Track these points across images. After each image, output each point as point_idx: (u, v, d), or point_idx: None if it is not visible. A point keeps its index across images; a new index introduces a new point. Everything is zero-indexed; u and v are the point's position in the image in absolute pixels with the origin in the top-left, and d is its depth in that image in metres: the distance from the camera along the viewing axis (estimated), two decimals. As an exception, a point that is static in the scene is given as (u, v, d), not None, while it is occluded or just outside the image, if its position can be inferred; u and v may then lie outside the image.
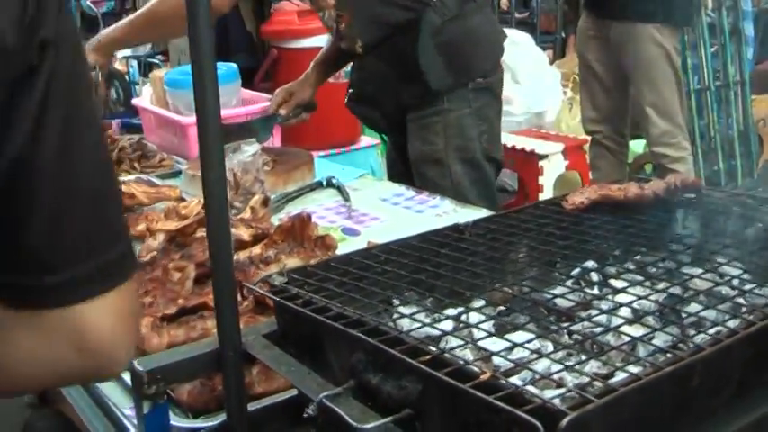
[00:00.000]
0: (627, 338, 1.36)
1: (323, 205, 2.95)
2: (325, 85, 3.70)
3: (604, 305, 1.50)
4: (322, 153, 4.55)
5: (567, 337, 1.42)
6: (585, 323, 1.43)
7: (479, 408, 1.13)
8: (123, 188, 2.82)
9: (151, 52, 8.82)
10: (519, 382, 1.19)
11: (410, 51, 3.08)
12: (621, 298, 1.52)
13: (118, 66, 10.06)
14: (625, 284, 1.57)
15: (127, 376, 1.74)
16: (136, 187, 2.86)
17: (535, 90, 7.18)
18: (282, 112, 3.46)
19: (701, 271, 1.61)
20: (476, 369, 1.20)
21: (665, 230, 1.82)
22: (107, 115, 3.76)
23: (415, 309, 1.51)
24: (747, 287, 1.52)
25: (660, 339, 1.36)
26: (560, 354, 1.34)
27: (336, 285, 1.56)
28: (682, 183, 1.99)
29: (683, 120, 5.71)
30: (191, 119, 3.40)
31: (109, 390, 1.82)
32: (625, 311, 1.45)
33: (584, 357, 1.32)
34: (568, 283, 1.63)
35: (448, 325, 1.44)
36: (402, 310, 1.50)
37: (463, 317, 1.48)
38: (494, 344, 1.34)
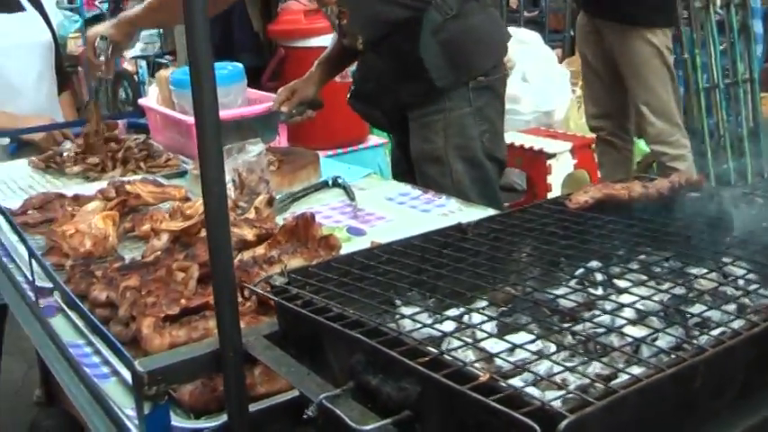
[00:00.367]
0: (630, 339, 1.35)
1: (328, 205, 2.94)
2: (331, 84, 3.70)
3: (608, 305, 1.49)
4: (329, 152, 4.54)
5: (569, 337, 1.41)
6: (588, 324, 1.42)
7: (478, 410, 1.12)
8: (128, 188, 2.82)
9: (160, 52, 8.85)
10: (520, 384, 1.19)
11: (410, 49, 3.08)
12: (625, 298, 1.51)
13: (127, 66, 10.11)
14: (629, 285, 1.57)
15: (129, 377, 1.75)
16: (141, 187, 2.86)
17: (544, 88, 7.17)
18: (284, 109, 3.46)
19: (705, 271, 1.60)
20: (475, 370, 1.19)
21: (669, 230, 1.80)
22: (115, 115, 3.76)
23: (416, 309, 1.50)
24: (752, 287, 1.51)
25: (664, 340, 1.35)
26: (562, 355, 1.33)
27: (337, 286, 1.56)
28: (686, 181, 1.98)
29: (680, 117, 5.72)
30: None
31: (110, 389, 1.82)
32: (629, 312, 1.44)
33: (586, 359, 1.31)
34: (572, 283, 1.62)
35: (449, 326, 1.43)
36: (403, 310, 1.50)
37: (465, 317, 1.47)
38: (495, 345, 1.34)
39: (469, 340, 1.35)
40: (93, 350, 2.00)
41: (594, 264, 1.68)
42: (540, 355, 1.30)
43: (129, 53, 10.19)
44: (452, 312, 1.49)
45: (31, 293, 2.32)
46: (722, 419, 1.32)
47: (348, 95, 3.41)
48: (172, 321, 1.87)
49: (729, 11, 6.61)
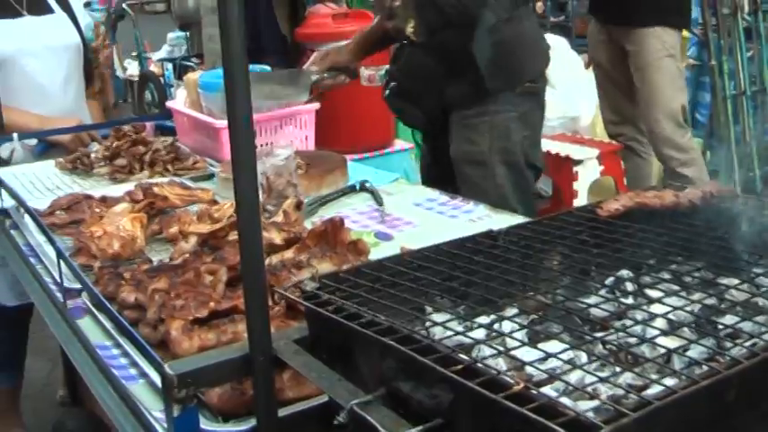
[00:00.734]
0: (662, 350, 1.34)
1: (356, 209, 2.93)
2: (359, 88, 3.69)
3: (639, 315, 1.48)
4: (356, 156, 4.53)
5: (600, 347, 1.40)
6: (620, 333, 1.41)
7: (512, 419, 1.12)
8: (156, 190, 2.82)
9: (186, 55, 8.87)
10: (552, 393, 1.18)
11: (462, 47, 3.04)
12: (656, 308, 1.50)
13: (153, 68, 10.15)
14: (660, 294, 1.56)
15: (157, 379, 1.75)
16: (169, 189, 2.86)
17: (570, 94, 7.14)
18: (314, 68, 3.44)
19: (737, 281, 1.59)
20: (509, 379, 1.19)
21: (700, 239, 1.79)
22: (142, 117, 3.77)
23: (447, 316, 1.49)
24: (785, 299, 1.50)
25: (695, 351, 1.34)
26: (594, 365, 1.32)
27: (368, 292, 1.55)
28: (718, 191, 1.97)
29: (688, 121, 5.71)
30: (224, 122, 3.40)
31: (138, 392, 1.82)
32: (660, 322, 1.43)
33: (618, 369, 1.30)
34: (602, 292, 1.61)
35: (480, 333, 1.43)
36: (434, 317, 1.49)
37: (496, 325, 1.46)
38: (527, 353, 1.33)
39: (501, 348, 1.35)
40: (121, 352, 2.00)
41: (625, 273, 1.67)
42: (572, 364, 1.29)
43: (155, 56, 10.25)
44: (483, 320, 1.49)
45: (58, 294, 2.32)
46: (756, 432, 1.31)
47: (387, 92, 3.36)
48: (200, 324, 1.87)
49: (757, 17, 6.57)
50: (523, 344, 1.36)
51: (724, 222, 1.86)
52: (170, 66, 9.28)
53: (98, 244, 2.46)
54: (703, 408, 1.21)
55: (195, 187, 3.03)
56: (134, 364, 1.93)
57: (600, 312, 1.51)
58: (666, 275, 1.67)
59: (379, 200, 2.96)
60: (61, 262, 2.26)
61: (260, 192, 2.71)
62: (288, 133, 3.49)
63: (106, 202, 2.87)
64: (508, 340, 1.39)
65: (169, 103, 3.88)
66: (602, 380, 1.23)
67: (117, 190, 3.05)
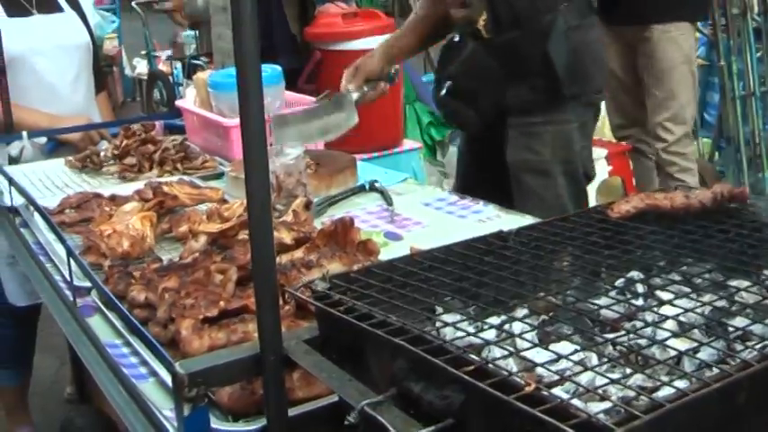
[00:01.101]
0: (672, 352, 1.34)
1: (365, 209, 2.93)
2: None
3: (649, 317, 1.48)
4: (364, 156, 4.53)
5: (611, 348, 1.40)
6: (630, 335, 1.41)
7: (524, 420, 1.12)
8: (166, 189, 2.83)
9: (195, 54, 8.87)
10: (562, 395, 1.18)
11: (526, 51, 3.01)
12: (667, 310, 1.49)
13: (162, 67, 10.15)
14: (670, 296, 1.55)
15: (167, 378, 1.75)
16: (178, 188, 2.87)
17: (578, 95, 7.13)
18: (351, 86, 3.35)
19: (747, 284, 1.58)
20: (521, 380, 1.19)
21: (711, 241, 1.79)
22: (151, 116, 3.77)
23: (458, 317, 1.49)
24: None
25: (705, 353, 1.34)
26: (604, 366, 1.32)
27: (379, 292, 1.55)
28: (729, 192, 1.97)
29: (692, 128, 5.70)
30: (234, 121, 3.41)
31: (148, 390, 1.83)
32: (670, 324, 1.43)
33: (628, 370, 1.30)
34: (613, 293, 1.61)
35: (491, 334, 1.43)
36: (445, 318, 1.49)
37: (506, 326, 1.46)
38: (537, 354, 1.33)
39: (511, 349, 1.35)
40: (131, 351, 2.01)
41: (636, 274, 1.67)
42: (583, 365, 1.29)
43: (164, 54, 10.26)
44: (494, 321, 1.49)
45: (68, 292, 2.33)
46: (766, 436, 1.31)
47: (443, 91, 3.25)
48: (210, 324, 1.87)
49: (767, 18, 6.56)
50: (534, 345, 1.36)
51: (735, 224, 1.86)
52: (179, 64, 9.28)
53: (108, 243, 2.46)
54: (714, 410, 1.21)
55: (205, 186, 3.03)
56: (144, 362, 1.94)
57: (610, 314, 1.50)
58: (676, 277, 1.67)
59: (388, 200, 2.96)
60: (71, 260, 2.27)
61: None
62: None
63: (115, 200, 2.88)
64: (518, 341, 1.39)
65: (179, 102, 3.88)
66: (612, 381, 1.23)
67: (126, 189, 3.06)
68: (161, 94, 9.54)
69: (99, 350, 2.06)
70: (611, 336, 1.43)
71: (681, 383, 1.22)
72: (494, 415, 1.19)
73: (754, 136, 6.50)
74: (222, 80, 3.58)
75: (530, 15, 2.99)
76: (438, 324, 1.46)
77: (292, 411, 1.60)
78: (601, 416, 1.09)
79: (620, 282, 1.66)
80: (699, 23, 6.13)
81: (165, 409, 1.74)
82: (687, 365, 1.31)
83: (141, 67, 11.17)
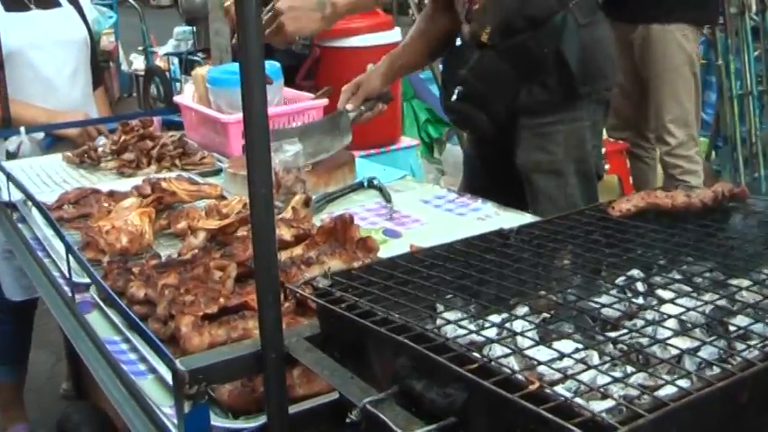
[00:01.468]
0: (673, 350, 1.33)
1: (364, 206, 2.93)
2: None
3: (649, 315, 1.47)
4: (362, 153, 4.53)
5: (611, 347, 1.40)
6: (632, 333, 1.41)
7: (527, 418, 1.12)
8: (164, 185, 2.82)
9: (192, 49, 8.86)
10: (565, 393, 1.18)
11: (540, 51, 2.98)
12: (666, 309, 1.49)
13: (159, 63, 10.14)
14: (671, 295, 1.55)
15: (166, 374, 1.75)
16: (177, 184, 2.86)
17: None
18: (350, 107, 3.30)
19: (748, 283, 1.58)
20: (524, 379, 1.18)
21: (711, 240, 1.79)
22: (150, 111, 3.77)
23: (459, 315, 1.49)
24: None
25: (706, 352, 1.34)
26: (606, 365, 1.32)
27: (381, 290, 1.55)
28: (729, 191, 1.96)
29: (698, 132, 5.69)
30: (232, 117, 3.41)
31: (147, 387, 1.83)
32: (670, 323, 1.43)
33: (629, 369, 1.30)
34: (613, 291, 1.61)
35: (492, 332, 1.42)
36: (446, 315, 1.49)
37: (507, 324, 1.46)
38: (538, 352, 1.33)
39: (513, 348, 1.35)
40: (130, 347, 2.01)
41: (636, 273, 1.67)
42: (584, 364, 1.29)
43: (161, 50, 10.25)
44: (495, 318, 1.49)
45: (66, 288, 2.32)
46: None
47: (455, 96, 3.19)
48: (210, 320, 1.87)
49: (765, 17, 6.57)
50: (537, 343, 1.36)
51: (736, 223, 1.86)
52: (176, 60, 9.26)
53: (106, 238, 2.46)
54: (717, 409, 1.21)
55: (203, 182, 3.03)
56: (143, 359, 1.93)
57: (611, 312, 1.50)
58: (677, 276, 1.66)
59: (387, 197, 2.96)
60: (70, 256, 2.26)
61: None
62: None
63: (114, 196, 2.87)
64: (519, 339, 1.39)
65: (177, 98, 3.88)
66: (615, 380, 1.23)
67: (124, 184, 3.05)
68: (158, 90, 9.52)
69: (98, 346, 2.05)
70: (611, 334, 1.42)
71: (683, 382, 1.22)
72: (497, 413, 1.19)
73: (750, 135, 6.51)
74: (221, 76, 3.57)
75: (543, 15, 2.97)
76: (440, 322, 1.46)
77: (293, 409, 1.60)
78: (604, 415, 1.09)
79: (620, 280, 1.65)
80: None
81: (165, 406, 1.74)
82: (688, 364, 1.31)
83: (138, 62, 11.14)
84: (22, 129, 3.79)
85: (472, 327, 1.44)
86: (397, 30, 5.51)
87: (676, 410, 1.12)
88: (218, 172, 3.33)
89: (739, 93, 6.45)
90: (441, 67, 3.50)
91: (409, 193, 3.09)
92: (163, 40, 11.00)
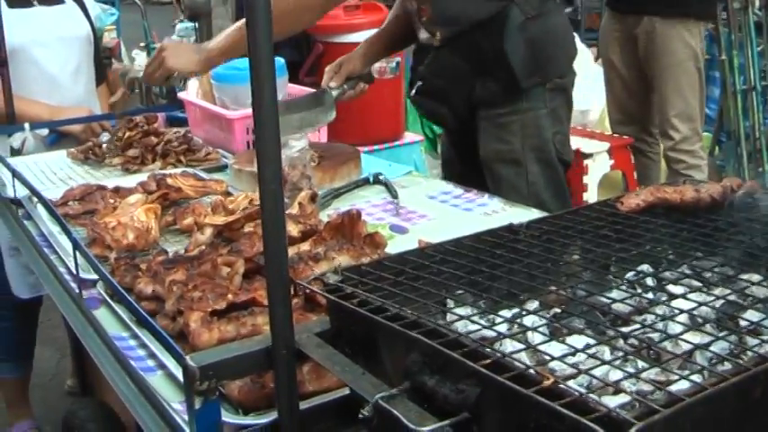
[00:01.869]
0: (684, 345, 1.33)
1: (370, 202, 2.93)
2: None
3: (659, 310, 1.47)
4: (366, 149, 4.53)
5: (622, 342, 1.40)
6: (645, 328, 1.41)
7: (541, 414, 1.12)
8: (170, 181, 2.82)
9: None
10: (577, 388, 1.18)
11: (492, 46, 3.03)
12: (676, 304, 1.49)
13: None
14: (681, 290, 1.55)
15: (175, 370, 1.75)
16: (182, 180, 2.86)
17: (579, 88, 7.09)
18: (333, 84, 3.37)
19: (758, 278, 1.58)
20: (538, 374, 1.18)
21: (721, 235, 1.79)
22: (154, 108, 3.76)
23: (470, 310, 1.49)
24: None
25: (717, 347, 1.33)
26: (618, 360, 1.31)
27: (391, 285, 1.55)
28: (738, 186, 1.96)
29: (702, 125, 5.69)
30: (237, 113, 3.41)
31: (156, 383, 1.82)
32: (681, 318, 1.43)
33: (640, 364, 1.29)
34: (623, 287, 1.60)
35: (503, 327, 1.42)
36: (457, 311, 1.49)
37: (518, 319, 1.46)
38: (549, 347, 1.33)
39: (525, 343, 1.34)
40: (138, 343, 2.00)
41: (646, 268, 1.67)
42: (596, 359, 1.29)
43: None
44: (506, 314, 1.48)
45: (73, 285, 2.32)
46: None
47: (413, 92, 3.32)
48: (219, 316, 1.87)
49: (768, 12, 6.56)
50: (549, 338, 1.36)
51: (745, 217, 1.86)
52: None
53: (112, 235, 2.46)
54: (731, 404, 1.21)
55: (208, 179, 3.03)
56: (151, 355, 1.93)
57: (621, 307, 1.50)
58: (687, 270, 1.66)
59: (393, 192, 2.96)
60: (77, 252, 2.26)
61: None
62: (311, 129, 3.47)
63: (119, 192, 2.87)
64: (530, 334, 1.39)
65: (181, 95, 3.88)
66: (630, 375, 1.22)
67: (129, 181, 3.06)
68: (160, 87, 9.50)
69: (106, 343, 2.05)
70: (623, 329, 1.42)
71: (696, 378, 1.22)
72: (511, 409, 1.19)
73: (754, 130, 6.50)
74: (226, 72, 3.57)
75: (486, 15, 3.04)
76: (451, 317, 1.46)
77: (303, 405, 1.60)
78: (620, 410, 1.09)
79: (630, 275, 1.65)
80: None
81: (174, 401, 1.73)
82: (700, 359, 1.31)
83: (140, 59, 11.12)
84: (27, 125, 3.80)
85: (483, 322, 1.44)
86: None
87: (691, 405, 1.12)
88: (223, 168, 3.33)
89: (743, 88, 6.45)
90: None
91: (415, 188, 3.10)
92: (165, 36, 11.00)
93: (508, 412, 1.20)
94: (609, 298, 1.53)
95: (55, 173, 3.46)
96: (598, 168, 5.96)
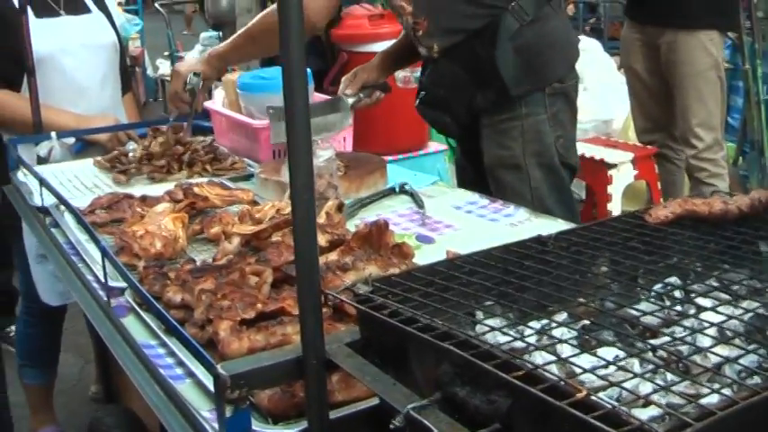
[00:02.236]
0: (713, 358, 1.33)
1: (396, 211, 2.93)
2: (394, 90, 3.69)
3: (688, 323, 1.47)
4: (390, 158, 4.54)
5: (651, 354, 1.40)
6: (670, 341, 1.41)
7: (573, 426, 1.12)
8: (196, 190, 2.84)
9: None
10: (608, 400, 1.18)
11: (486, 55, 3.06)
12: (706, 316, 1.49)
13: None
14: (709, 303, 1.55)
15: (205, 379, 1.76)
16: (209, 189, 2.88)
17: (603, 97, 7.14)
18: (348, 92, 3.45)
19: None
20: (571, 386, 1.19)
21: (750, 247, 1.79)
22: (179, 117, 3.78)
23: (500, 321, 1.49)
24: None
25: (746, 360, 1.33)
26: (648, 373, 1.32)
27: (421, 296, 1.56)
28: (767, 198, 1.96)
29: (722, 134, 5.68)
30: (263, 122, 3.42)
31: (185, 391, 1.83)
32: (710, 331, 1.43)
33: (670, 377, 1.29)
34: (652, 299, 1.61)
35: (532, 339, 1.43)
36: (487, 322, 1.49)
37: (547, 331, 1.46)
38: (579, 359, 1.33)
39: (557, 356, 1.35)
40: (167, 351, 2.01)
41: (674, 280, 1.67)
42: (626, 371, 1.29)
43: (187, 55, 10.27)
44: (535, 325, 1.49)
45: (101, 293, 2.33)
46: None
47: (417, 101, 3.36)
48: (248, 326, 1.88)
49: (792, 22, 6.54)
50: (579, 350, 1.36)
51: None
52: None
53: (140, 243, 2.47)
54: (762, 418, 1.20)
55: (234, 188, 3.04)
56: (180, 363, 1.94)
57: (650, 320, 1.50)
58: (714, 283, 1.66)
59: (419, 202, 2.97)
60: (105, 261, 2.27)
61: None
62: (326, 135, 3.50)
63: (146, 201, 2.89)
64: (559, 346, 1.39)
65: (207, 104, 3.89)
66: (662, 388, 1.22)
67: (156, 190, 3.07)
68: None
69: (134, 350, 2.06)
70: (653, 342, 1.42)
71: (726, 391, 1.22)
72: (542, 420, 1.19)
73: (778, 141, 6.47)
74: (252, 82, 3.59)
75: (479, 25, 3.08)
76: (481, 328, 1.47)
77: (332, 414, 1.60)
78: (653, 424, 1.09)
79: (658, 287, 1.65)
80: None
81: (203, 410, 1.74)
82: (729, 373, 1.31)
83: (164, 67, 11.19)
84: (53, 134, 3.81)
85: (513, 333, 1.44)
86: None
87: (722, 419, 1.12)
88: (248, 177, 3.35)
89: (766, 98, 6.41)
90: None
91: (441, 198, 3.10)
92: (189, 45, 11.06)
93: (540, 424, 1.20)
94: (638, 310, 1.53)
95: (82, 181, 3.48)
96: (622, 178, 5.94)
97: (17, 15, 3.71)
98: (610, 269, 1.76)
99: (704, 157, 5.53)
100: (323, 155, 2.82)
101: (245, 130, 3.58)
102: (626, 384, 1.24)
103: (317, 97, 3.82)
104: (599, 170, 5.96)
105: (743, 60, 6.42)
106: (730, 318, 1.47)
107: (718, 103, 5.57)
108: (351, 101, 3.42)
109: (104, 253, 2.27)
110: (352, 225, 2.58)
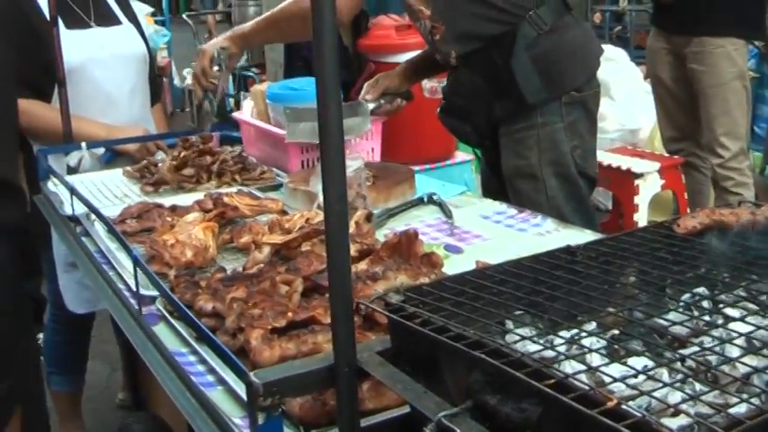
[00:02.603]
0: (741, 368, 1.34)
1: (424, 221, 2.95)
2: (420, 100, 3.71)
3: (716, 333, 1.48)
4: (417, 168, 4.55)
5: (679, 364, 1.41)
6: (704, 350, 1.42)
7: (604, 435, 1.13)
8: (226, 200, 2.86)
9: (246, 65, 8.91)
10: (637, 410, 1.19)
11: (504, 64, 3.08)
12: (734, 326, 1.50)
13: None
14: (737, 313, 1.56)
15: (236, 386, 1.78)
16: (238, 199, 2.90)
17: (629, 106, 7.12)
18: (369, 97, 3.49)
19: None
20: (602, 395, 1.20)
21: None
22: (209, 128, 3.82)
23: (529, 331, 1.51)
24: None
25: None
26: (677, 383, 1.33)
27: (453, 305, 1.57)
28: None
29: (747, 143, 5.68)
30: (293, 132, 3.44)
31: (217, 398, 1.85)
32: (738, 341, 1.44)
33: (698, 386, 1.30)
34: (680, 309, 1.61)
35: (562, 348, 1.44)
36: (518, 331, 1.51)
37: (577, 340, 1.47)
38: (608, 368, 1.34)
39: (588, 365, 1.36)
40: (198, 359, 2.03)
41: (702, 290, 1.68)
42: (655, 380, 1.30)
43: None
44: (564, 335, 1.50)
45: (132, 301, 2.36)
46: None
47: (438, 110, 3.39)
48: (279, 334, 1.90)
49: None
50: (611, 360, 1.37)
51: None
52: (229, 76, 9.34)
53: (171, 252, 2.50)
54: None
55: (264, 197, 3.06)
56: (211, 370, 1.96)
57: (678, 330, 1.51)
58: (742, 293, 1.67)
59: (447, 212, 2.98)
60: (137, 269, 2.30)
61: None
62: (354, 145, 3.52)
63: (176, 211, 2.91)
64: (589, 355, 1.40)
65: (236, 114, 3.93)
66: (691, 397, 1.23)
67: (185, 199, 3.10)
68: (211, 105, 9.59)
69: (166, 358, 2.08)
70: (682, 352, 1.43)
71: (755, 400, 1.22)
72: (573, 429, 1.20)
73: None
74: (281, 92, 3.61)
75: (498, 31, 3.10)
76: (511, 337, 1.48)
77: (363, 422, 1.62)
78: (684, 432, 1.10)
79: (686, 297, 1.66)
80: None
81: (235, 417, 1.76)
82: (757, 382, 1.31)
83: (191, 78, 11.23)
84: (83, 144, 3.85)
85: (543, 342, 1.46)
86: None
87: (751, 428, 1.13)
88: (277, 187, 3.37)
89: (791, 106, 6.42)
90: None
91: (469, 208, 3.11)
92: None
93: (570, 432, 1.21)
94: (666, 320, 1.54)
95: (111, 191, 3.51)
96: (649, 188, 5.94)
97: (48, 27, 3.74)
98: (638, 279, 1.77)
99: (730, 167, 5.52)
100: (351, 165, 2.83)
101: (274, 140, 3.60)
102: (655, 394, 1.25)
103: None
104: (626, 180, 5.96)
105: (770, 68, 6.43)
106: (758, 328, 1.47)
107: (744, 113, 5.57)
108: (371, 106, 3.47)
109: (136, 262, 2.30)
110: (381, 235, 2.60)
